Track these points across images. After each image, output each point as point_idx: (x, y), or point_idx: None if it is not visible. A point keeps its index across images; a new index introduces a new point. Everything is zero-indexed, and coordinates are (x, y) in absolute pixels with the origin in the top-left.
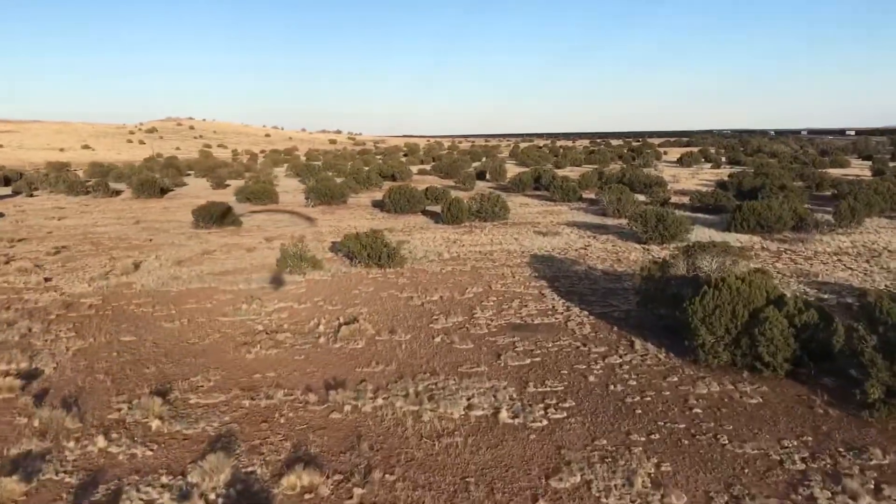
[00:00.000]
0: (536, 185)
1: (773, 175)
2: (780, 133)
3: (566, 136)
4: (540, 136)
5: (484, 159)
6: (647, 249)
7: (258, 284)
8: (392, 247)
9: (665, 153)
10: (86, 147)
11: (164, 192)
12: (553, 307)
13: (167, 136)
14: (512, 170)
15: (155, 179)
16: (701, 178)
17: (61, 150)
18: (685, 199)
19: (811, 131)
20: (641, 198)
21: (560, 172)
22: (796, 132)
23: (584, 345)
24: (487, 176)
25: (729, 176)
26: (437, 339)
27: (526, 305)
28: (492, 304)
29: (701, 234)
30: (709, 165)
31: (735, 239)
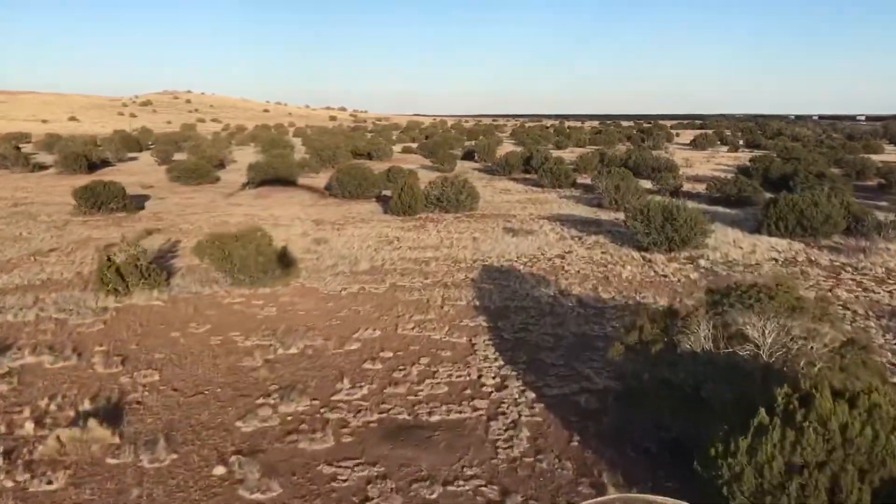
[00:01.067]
0: (527, 168)
1: (806, 160)
2: (797, 118)
3: (577, 117)
4: (550, 117)
5: (481, 138)
6: (650, 261)
7: (41, 313)
8: (273, 255)
9: (677, 135)
10: (72, 119)
11: (93, 167)
12: (479, 378)
13: (161, 110)
14: (508, 150)
15: (83, 154)
16: (717, 162)
17: (44, 121)
18: (700, 188)
19: (822, 117)
20: (648, 185)
21: (561, 154)
22: (807, 117)
23: (504, 496)
24: (476, 156)
25: (751, 161)
26: (220, 471)
27: (434, 373)
28: (379, 368)
29: (722, 236)
30: (725, 149)
31: (770, 245)
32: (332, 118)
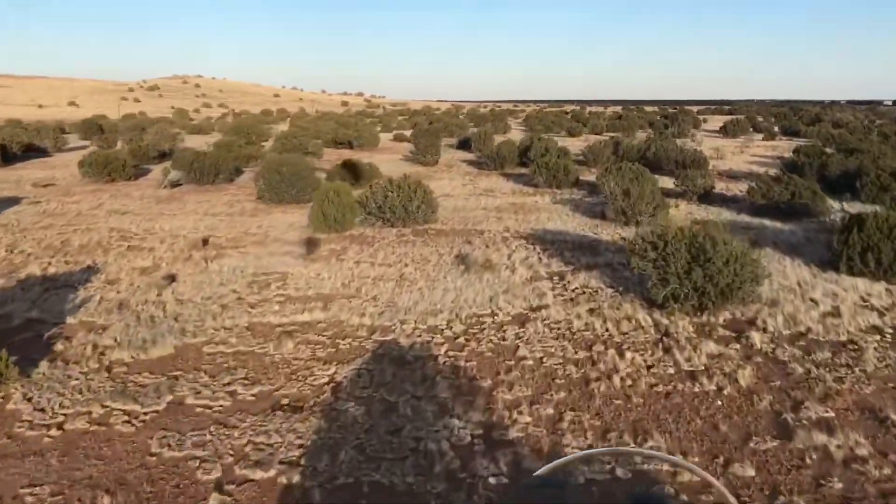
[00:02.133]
0: (525, 160)
1: (871, 153)
2: (831, 103)
3: (600, 103)
4: (574, 102)
5: (488, 125)
6: (667, 334)
7: None
8: None
9: (704, 121)
10: (71, 104)
11: (10, 159)
12: None
13: (168, 94)
14: (516, 138)
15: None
16: (753, 153)
17: (40, 106)
18: (738, 188)
19: (849, 102)
20: (671, 183)
21: (573, 142)
22: (837, 103)
23: None
24: (472, 146)
25: (797, 152)
26: None
27: None
28: None
29: (781, 275)
30: (760, 137)
31: (859, 295)
32: (345, 103)
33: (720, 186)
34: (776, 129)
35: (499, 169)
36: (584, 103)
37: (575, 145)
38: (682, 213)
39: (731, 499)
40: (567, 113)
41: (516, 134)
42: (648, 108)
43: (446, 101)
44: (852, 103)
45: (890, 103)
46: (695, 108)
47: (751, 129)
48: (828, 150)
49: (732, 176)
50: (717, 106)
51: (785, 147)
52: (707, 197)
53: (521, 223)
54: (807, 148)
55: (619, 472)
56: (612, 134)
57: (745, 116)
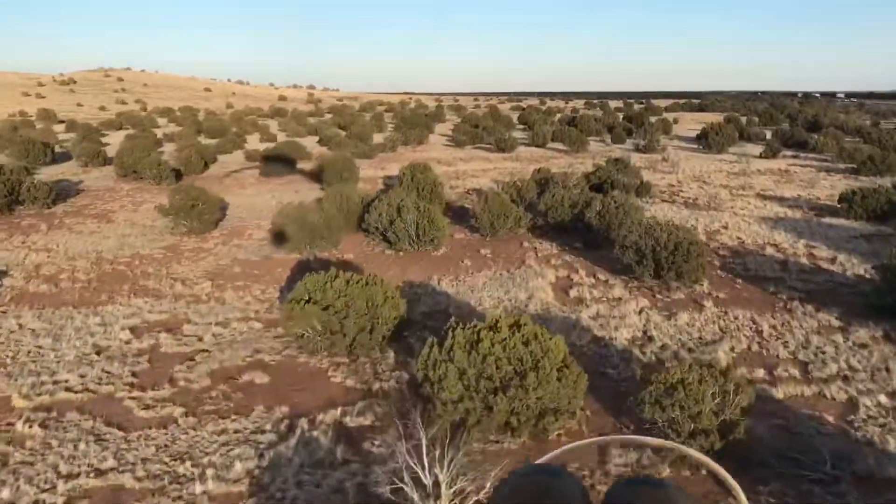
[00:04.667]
0: (364, 227)
1: None
2: (805, 95)
3: (565, 95)
4: (538, 94)
5: (415, 129)
6: None
7: None
8: None
9: (675, 122)
10: None
11: None
12: None
13: (82, 90)
14: (433, 146)
15: None
16: (761, 188)
17: None
18: (767, 336)
19: (805, 94)
20: (627, 325)
21: (496, 164)
22: (808, 94)
23: None
24: (324, 177)
25: (849, 202)
26: None
27: None
28: None
29: None
30: (755, 150)
31: None
32: (283, 98)
33: (742, 329)
34: (768, 135)
35: (301, 249)
36: (548, 95)
37: (500, 169)
38: None
39: (737, 488)
40: (524, 109)
41: (435, 149)
42: (613, 103)
43: (411, 92)
44: (807, 95)
45: (843, 96)
46: (663, 104)
47: (737, 137)
48: (887, 185)
49: (754, 275)
50: (687, 99)
51: (804, 176)
52: (731, 435)
53: None
54: (868, 198)
55: None
56: (557, 147)
57: (726, 118)
